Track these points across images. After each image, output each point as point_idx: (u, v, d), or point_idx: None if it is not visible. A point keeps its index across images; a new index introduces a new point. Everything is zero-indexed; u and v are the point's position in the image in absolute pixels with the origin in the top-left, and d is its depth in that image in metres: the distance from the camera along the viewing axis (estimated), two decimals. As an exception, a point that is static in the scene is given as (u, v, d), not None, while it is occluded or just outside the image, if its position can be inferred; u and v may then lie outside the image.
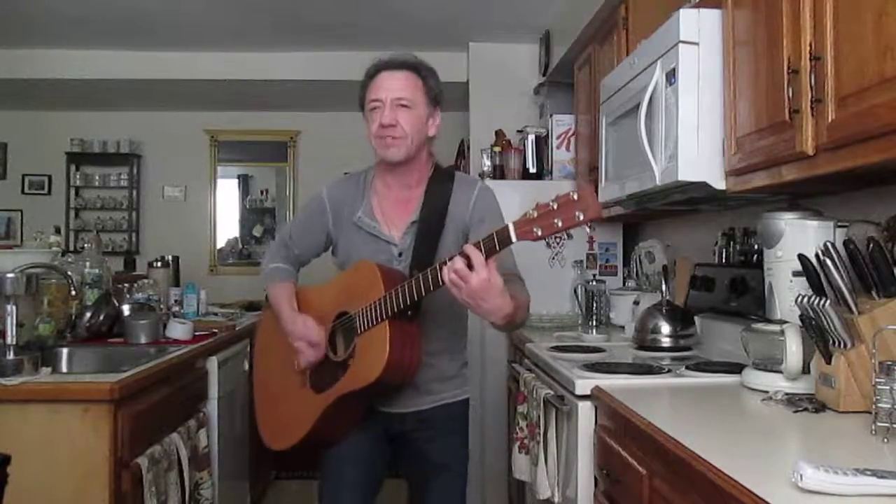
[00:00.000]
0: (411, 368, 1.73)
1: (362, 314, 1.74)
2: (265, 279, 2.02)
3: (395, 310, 1.66)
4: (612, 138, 2.54)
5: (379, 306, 1.69)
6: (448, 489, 1.92)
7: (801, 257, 1.55)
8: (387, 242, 1.85)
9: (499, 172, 3.86)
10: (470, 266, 1.46)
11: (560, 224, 1.37)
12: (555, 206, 1.38)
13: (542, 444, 2.04)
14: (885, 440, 1.23)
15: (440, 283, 1.56)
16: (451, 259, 1.50)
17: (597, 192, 2.72)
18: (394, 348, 1.67)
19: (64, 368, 2.52)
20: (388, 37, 4.39)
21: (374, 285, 1.72)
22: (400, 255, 1.84)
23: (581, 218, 1.36)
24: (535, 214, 1.41)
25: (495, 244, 1.46)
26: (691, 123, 1.89)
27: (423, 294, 1.63)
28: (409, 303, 1.65)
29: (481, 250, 1.47)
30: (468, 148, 4.57)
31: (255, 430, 3.29)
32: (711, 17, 1.89)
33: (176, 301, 3.29)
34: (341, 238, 1.93)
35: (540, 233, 1.40)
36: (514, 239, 1.43)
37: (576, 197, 1.37)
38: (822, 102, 1.40)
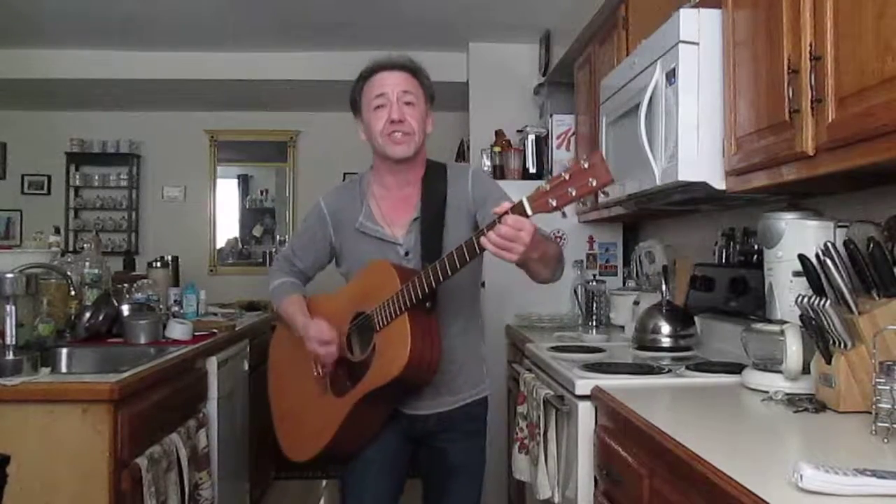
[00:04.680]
0: (433, 363, 1.72)
1: (380, 310, 1.72)
2: (273, 296, 2.00)
3: (415, 300, 1.65)
4: (612, 138, 2.54)
5: (397, 299, 1.68)
6: (465, 491, 1.92)
7: (801, 257, 1.55)
8: (392, 244, 1.85)
9: (499, 172, 3.86)
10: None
11: (574, 193, 1.37)
12: (567, 177, 1.38)
13: (542, 444, 2.04)
14: (885, 440, 1.23)
15: (473, 253, 1.52)
16: (486, 230, 1.46)
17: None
18: (416, 340, 1.66)
19: (64, 368, 2.51)
20: (388, 37, 4.39)
21: (390, 281, 1.71)
22: (406, 254, 1.84)
23: (594, 184, 1.35)
24: (548, 186, 1.40)
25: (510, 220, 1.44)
26: (691, 123, 1.89)
27: (446, 277, 1.60)
28: (429, 290, 1.63)
29: (500, 223, 1.44)
30: (468, 148, 4.57)
31: (256, 430, 3.32)
32: (711, 17, 1.89)
33: (176, 301, 3.29)
34: (345, 246, 1.92)
35: (555, 203, 1.39)
36: (529, 212, 1.42)
37: (587, 165, 1.36)
38: (822, 102, 1.40)
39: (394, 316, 1.69)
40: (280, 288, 1.99)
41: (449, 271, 1.59)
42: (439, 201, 1.84)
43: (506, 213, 1.43)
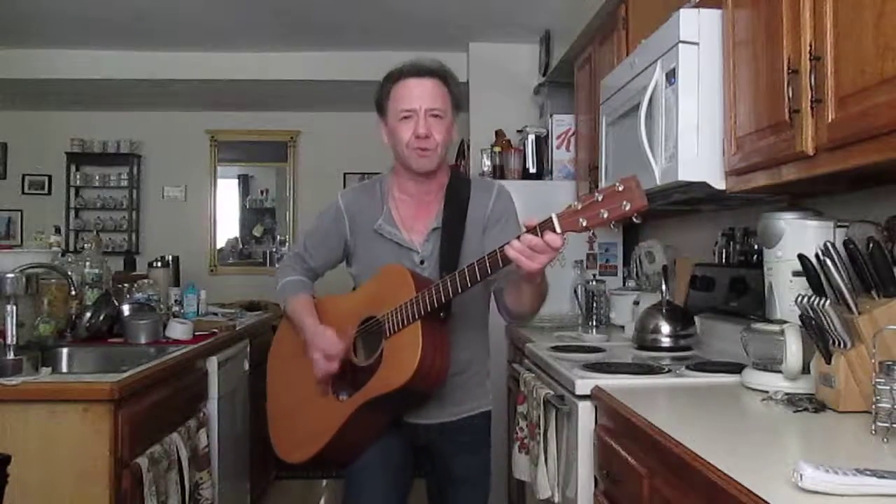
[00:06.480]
0: (441, 375, 1.69)
1: (392, 316, 1.69)
2: (281, 293, 1.95)
3: (430, 309, 1.62)
4: (612, 138, 2.54)
5: (412, 306, 1.64)
6: (471, 503, 1.90)
7: (801, 257, 1.55)
8: (408, 249, 1.82)
9: (499, 172, 3.86)
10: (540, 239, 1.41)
11: (606, 215, 1.34)
12: (600, 198, 1.34)
13: (542, 444, 2.04)
14: (885, 440, 1.23)
15: (496, 265, 1.50)
16: (518, 239, 1.44)
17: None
18: (426, 349, 1.62)
19: (64, 368, 2.51)
20: (389, 37, 4.40)
21: (405, 287, 1.67)
22: (422, 262, 1.81)
23: (627, 208, 1.32)
24: (580, 206, 1.37)
25: (539, 235, 1.42)
26: (691, 123, 1.90)
27: (465, 288, 1.57)
28: (446, 299, 1.60)
29: (526, 235, 1.43)
30: (468, 148, 4.57)
31: (256, 430, 3.32)
32: (711, 17, 1.89)
33: (176, 301, 3.29)
34: (360, 247, 1.89)
35: (585, 223, 1.36)
36: (558, 230, 1.40)
37: (621, 188, 1.33)
38: (822, 102, 1.40)
39: (406, 323, 1.65)
40: (288, 286, 1.94)
41: (469, 282, 1.56)
42: (461, 213, 1.81)
43: (535, 227, 1.41)
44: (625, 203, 1.32)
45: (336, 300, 1.92)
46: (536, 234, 1.41)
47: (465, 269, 1.57)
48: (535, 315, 1.83)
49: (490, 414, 1.94)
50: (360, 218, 1.88)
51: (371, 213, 1.86)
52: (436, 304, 1.62)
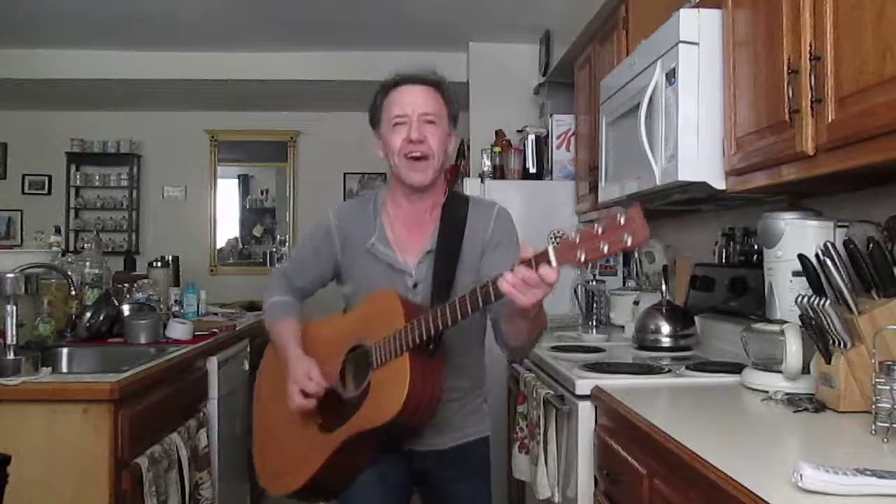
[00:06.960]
0: (430, 409, 1.60)
1: (379, 347, 1.59)
2: (266, 314, 1.86)
3: (418, 341, 1.52)
4: (612, 138, 2.54)
5: (399, 338, 1.55)
6: None
7: (801, 257, 1.55)
8: (401, 272, 1.74)
9: (499, 172, 3.86)
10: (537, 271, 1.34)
11: (606, 249, 1.27)
12: (600, 230, 1.28)
13: (542, 444, 2.04)
14: (885, 440, 1.23)
15: (487, 299, 1.42)
16: (511, 272, 1.36)
17: (596, 192, 2.72)
18: (414, 385, 1.53)
19: (64, 368, 2.51)
20: (388, 37, 4.40)
21: (394, 315, 1.58)
22: (415, 286, 1.73)
23: (629, 242, 1.26)
24: (578, 239, 1.31)
25: (534, 268, 1.34)
26: (691, 123, 1.90)
27: (455, 322, 1.49)
28: (435, 333, 1.52)
29: (517, 270, 1.35)
30: (468, 148, 4.57)
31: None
32: (711, 17, 1.89)
33: (176, 301, 3.29)
34: (351, 267, 1.79)
35: (584, 257, 1.29)
36: (553, 263, 1.32)
37: (622, 221, 1.27)
38: (822, 102, 1.40)
39: (393, 355, 1.56)
40: (275, 307, 1.84)
41: (460, 315, 1.47)
42: (456, 236, 1.73)
43: (530, 260, 1.34)
44: (626, 236, 1.26)
45: (324, 326, 1.84)
46: (531, 266, 1.34)
47: (457, 302, 1.48)
48: (533, 347, 1.75)
49: (489, 440, 1.86)
50: (352, 236, 1.79)
51: (364, 231, 1.78)
52: (425, 337, 1.53)
